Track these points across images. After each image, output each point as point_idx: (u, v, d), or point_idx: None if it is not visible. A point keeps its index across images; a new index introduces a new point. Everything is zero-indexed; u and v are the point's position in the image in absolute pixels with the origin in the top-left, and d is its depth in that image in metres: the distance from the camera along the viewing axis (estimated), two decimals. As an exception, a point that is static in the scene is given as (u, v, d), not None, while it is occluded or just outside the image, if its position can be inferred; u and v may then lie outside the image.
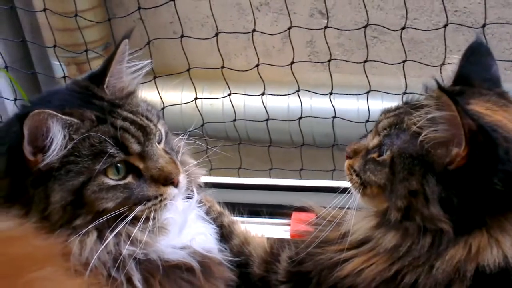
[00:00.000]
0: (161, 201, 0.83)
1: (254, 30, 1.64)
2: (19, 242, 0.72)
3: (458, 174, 0.75)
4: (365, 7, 1.57)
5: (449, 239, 0.76)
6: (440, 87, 0.73)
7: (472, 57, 0.90)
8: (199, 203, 0.97)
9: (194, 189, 0.95)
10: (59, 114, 0.76)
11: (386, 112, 0.89)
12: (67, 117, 0.78)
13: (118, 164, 0.80)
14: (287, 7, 1.63)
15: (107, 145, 0.79)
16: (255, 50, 1.71)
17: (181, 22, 1.63)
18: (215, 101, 2.18)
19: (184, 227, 0.89)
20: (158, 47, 2.30)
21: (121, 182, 0.81)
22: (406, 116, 0.82)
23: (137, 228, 0.81)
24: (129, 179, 0.82)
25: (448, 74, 0.93)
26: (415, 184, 0.78)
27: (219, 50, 1.62)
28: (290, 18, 1.56)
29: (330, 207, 0.94)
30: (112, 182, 0.80)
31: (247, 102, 2.17)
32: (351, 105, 2.07)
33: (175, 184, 0.85)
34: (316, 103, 2.10)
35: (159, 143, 0.88)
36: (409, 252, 0.79)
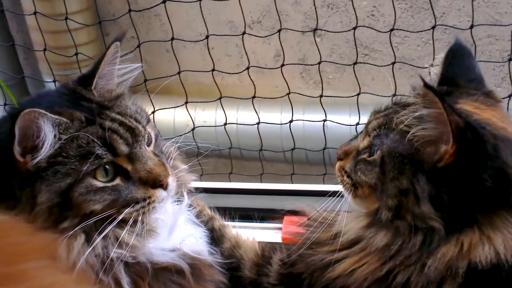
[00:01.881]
0: (149, 203, 0.82)
1: (244, 33, 1.66)
2: (12, 232, 0.71)
3: (447, 172, 0.75)
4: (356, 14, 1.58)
5: (441, 237, 0.76)
6: (426, 85, 0.74)
7: (455, 59, 0.91)
8: (189, 207, 0.97)
9: (184, 193, 0.94)
10: (48, 113, 0.76)
11: (376, 113, 0.90)
12: (57, 116, 0.78)
13: (107, 166, 0.80)
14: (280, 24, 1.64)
15: (95, 146, 0.78)
16: (246, 56, 1.72)
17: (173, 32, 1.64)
18: (208, 118, 2.19)
19: (173, 230, 0.88)
20: (152, 65, 2.31)
21: (109, 184, 0.80)
22: (395, 116, 0.82)
23: (125, 230, 0.80)
24: (117, 181, 0.81)
25: (432, 77, 0.94)
26: (405, 183, 0.78)
27: (210, 54, 1.63)
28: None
29: (321, 208, 0.93)
30: (100, 184, 0.79)
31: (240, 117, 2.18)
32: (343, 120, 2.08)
33: (164, 186, 0.84)
34: (309, 120, 2.11)
35: (148, 145, 0.87)
36: (401, 251, 0.78)
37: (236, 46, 2.32)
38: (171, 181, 0.86)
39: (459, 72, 0.90)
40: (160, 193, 0.84)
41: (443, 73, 0.91)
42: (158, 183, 0.83)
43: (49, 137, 0.76)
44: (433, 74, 0.94)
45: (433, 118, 0.75)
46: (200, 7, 1.64)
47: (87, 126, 0.80)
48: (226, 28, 2.34)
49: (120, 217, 0.80)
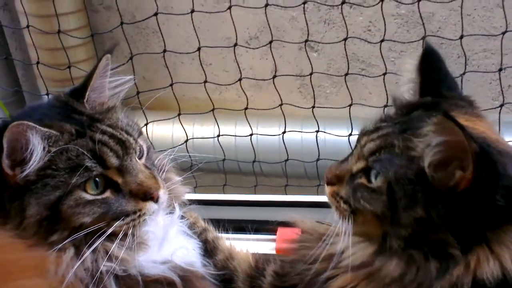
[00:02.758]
0: (140, 216, 0.82)
1: (236, 44, 1.67)
2: (5, 248, 0.71)
3: (461, 196, 0.73)
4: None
5: (456, 262, 0.73)
6: (446, 114, 0.70)
7: (430, 65, 0.87)
8: (182, 218, 0.96)
9: (176, 205, 0.93)
10: (37, 126, 0.76)
11: (368, 133, 0.84)
12: (46, 129, 0.77)
13: (97, 179, 0.79)
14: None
15: (85, 158, 0.78)
16: (238, 67, 1.72)
17: (165, 46, 1.64)
18: (206, 133, 2.19)
19: (164, 242, 0.88)
20: (150, 80, 2.32)
21: (99, 197, 0.79)
22: (396, 139, 0.78)
23: (115, 244, 0.80)
24: (108, 193, 0.80)
25: (403, 86, 0.91)
26: (420, 211, 0.74)
27: (201, 65, 1.64)
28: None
29: (315, 221, 0.91)
30: (90, 197, 0.78)
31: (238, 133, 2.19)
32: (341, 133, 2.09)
33: (154, 199, 0.83)
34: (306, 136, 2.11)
35: (140, 158, 0.87)
36: (416, 280, 0.75)
37: (234, 62, 2.33)
38: (162, 194, 0.85)
39: (438, 79, 0.87)
40: (150, 205, 0.83)
41: (422, 82, 0.87)
42: (148, 196, 0.83)
43: (38, 149, 0.76)
44: (405, 82, 0.90)
45: (450, 145, 0.72)
46: (192, 20, 1.64)
47: (77, 138, 0.80)
48: (223, 44, 2.36)
49: (110, 230, 0.79)
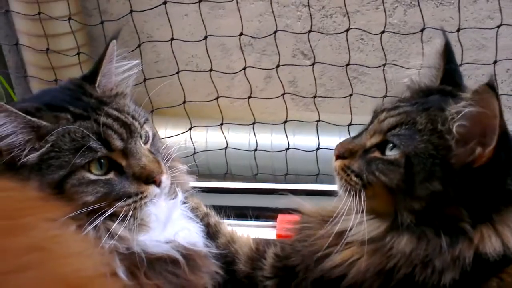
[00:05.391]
0: (141, 198, 0.83)
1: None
2: (13, 191, 0.70)
3: (476, 173, 0.75)
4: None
5: (465, 237, 0.76)
6: (489, 84, 0.71)
7: (449, 55, 0.89)
8: (184, 204, 0.97)
9: (178, 190, 0.94)
10: (14, 110, 0.77)
11: (387, 110, 0.85)
12: (30, 117, 0.78)
13: (102, 160, 0.81)
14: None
15: (89, 140, 0.79)
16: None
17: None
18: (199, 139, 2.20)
19: (168, 224, 0.89)
20: (148, 86, 2.32)
21: (102, 178, 0.81)
22: (418, 116, 0.80)
23: (116, 223, 0.81)
24: (111, 175, 0.82)
25: (418, 77, 0.92)
26: (438, 185, 0.76)
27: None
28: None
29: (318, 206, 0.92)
30: (93, 177, 0.80)
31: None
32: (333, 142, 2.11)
33: (156, 183, 0.85)
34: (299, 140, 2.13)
35: (145, 143, 0.88)
36: (423, 254, 0.77)
37: (227, 68, 2.34)
38: (165, 179, 0.86)
39: (454, 69, 0.89)
40: (152, 189, 0.84)
41: (445, 69, 0.88)
42: (151, 179, 0.84)
43: (15, 136, 0.77)
44: (421, 74, 0.92)
45: (481, 118, 0.73)
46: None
47: (81, 120, 0.81)
48: (217, 50, 2.37)
49: (111, 210, 0.80)
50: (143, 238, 0.84)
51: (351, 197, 0.84)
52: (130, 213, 0.82)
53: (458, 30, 1.61)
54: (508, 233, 0.76)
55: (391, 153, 0.80)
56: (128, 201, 0.82)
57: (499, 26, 1.62)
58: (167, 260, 0.84)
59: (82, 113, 0.82)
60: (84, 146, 0.79)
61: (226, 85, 2.39)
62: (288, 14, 2.32)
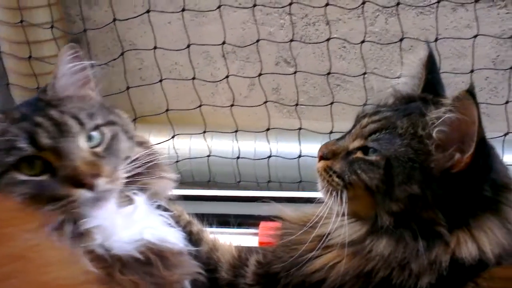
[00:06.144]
0: (69, 202, 0.78)
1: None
2: None
3: (453, 179, 0.77)
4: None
5: (442, 241, 0.77)
6: (470, 91, 0.73)
7: (432, 65, 0.91)
8: (165, 211, 0.94)
9: (142, 194, 0.89)
10: None
11: (368, 115, 0.87)
12: None
13: (35, 160, 0.79)
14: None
15: (19, 139, 0.79)
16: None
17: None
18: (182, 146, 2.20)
19: (127, 225, 0.85)
20: (125, 94, 2.32)
21: (33, 179, 0.78)
22: (399, 121, 0.82)
23: (64, 228, 0.79)
24: (44, 177, 0.78)
25: (399, 86, 0.94)
26: (416, 188, 0.78)
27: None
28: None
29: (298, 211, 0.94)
30: (23, 177, 0.78)
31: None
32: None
33: (87, 186, 0.79)
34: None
35: (97, 145, 0.84)
36: (404, 258, 0.78)
37: (211, 75, 2.35)
38: (102, 182, 0.80)
39: (436, 79, 0.90)
40: (81, 193, 0.78)
41: (427, 79, 0.90)
42: (79, 182, 0.78)
43: None
44: (402, 82, 0.94)
45: (460, 124, 0.75)
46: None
47: (19, 122, 0.81)
48: (201, 58, 2.38)
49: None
50: (102, 240, 0.81)
51: (333, 199, 0.85)
52: (64, 217, 0.79)
53: (436, 40, 1.64)
54: (484, 238, 0.78)
55: (373, 155, 0.82)
56: (56, 205, 0.78)
57: (475, 36, 1.65)
58: (138, 259, 0.82)
59: (25, 115, 0.83)
60: (12, 146, 0.78)
61: (210, 91, 2.39)
62: (271, 22, 2.34)
